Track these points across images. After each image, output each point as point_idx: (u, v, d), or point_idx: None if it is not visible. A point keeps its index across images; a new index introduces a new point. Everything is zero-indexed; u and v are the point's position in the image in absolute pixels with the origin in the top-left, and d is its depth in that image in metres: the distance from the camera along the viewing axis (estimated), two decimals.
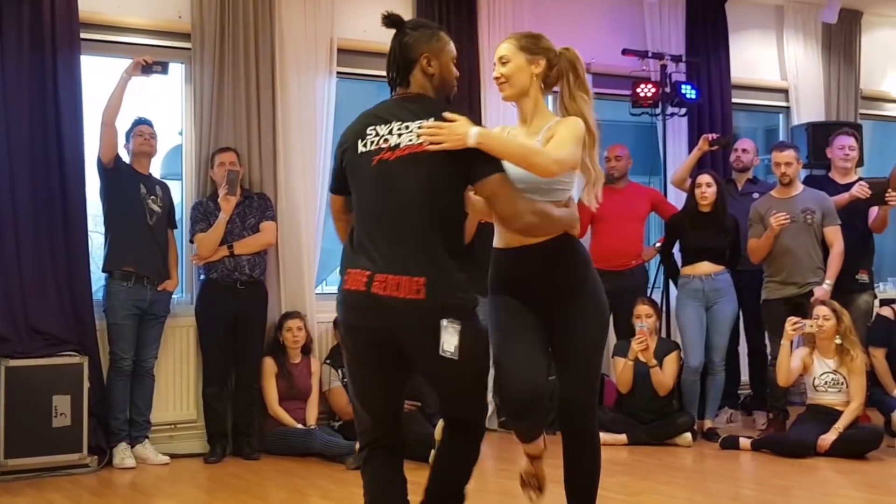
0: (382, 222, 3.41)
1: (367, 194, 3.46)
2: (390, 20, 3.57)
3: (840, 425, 6.45)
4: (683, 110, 8.15)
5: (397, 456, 3.70)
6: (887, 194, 7.06)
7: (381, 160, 3.41)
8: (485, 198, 3.48)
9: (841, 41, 9.59)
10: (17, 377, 6.05)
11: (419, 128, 3.40)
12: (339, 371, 6.74)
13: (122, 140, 6.53)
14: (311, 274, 7.17)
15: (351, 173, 3.51)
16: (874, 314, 7.48)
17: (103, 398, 6.41)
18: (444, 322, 3.35)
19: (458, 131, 3.37)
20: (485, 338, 3.59)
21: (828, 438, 6.41)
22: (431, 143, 3.36)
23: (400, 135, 3.42)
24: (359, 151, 3.47)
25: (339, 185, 3.61)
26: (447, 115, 3.42)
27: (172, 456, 6.56)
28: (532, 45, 3.85)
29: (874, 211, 7.27)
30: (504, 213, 3.51)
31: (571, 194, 3.81)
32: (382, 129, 3.45)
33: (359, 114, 3.62)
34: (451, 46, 3.64)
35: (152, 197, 6.55)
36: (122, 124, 6.53)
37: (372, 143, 3.45)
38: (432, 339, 3.36)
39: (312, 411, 6.92)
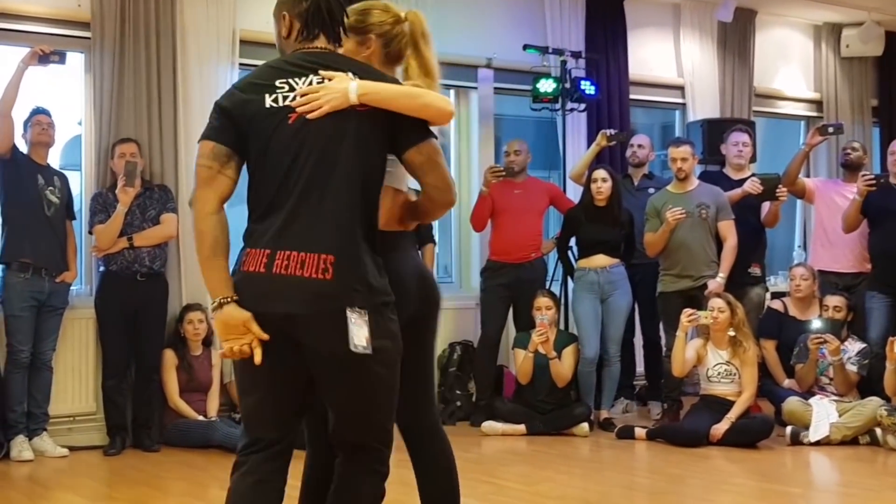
0: (293, 190, 2.90)
1: (276, 156, 2.93)
2: None
3: (732, 415, 6.59)
4: (583, 106, 8.24)
5: (287, 460, 3.12)
6: (778, 190, 7.24)
7: (298, 118, 2.92)
8: (418, 166, 3.02)
9: (736, 39, 9.76)
10: None
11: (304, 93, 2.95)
12: None
13: (19, 130, 6.42)
14: None
15: (257, 131, 2.94)
16: (765, 307, 7.69)
17: (0, 391, 6.32)
18: (350, 311, 2.86)
19: (337, 88, 2.94)
20: (398, 341, 3.02)
21: (720, 428, 6.55)
22: (310, 112, 2.92)
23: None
24: (266, 106, 2.94)
25: (225, 135, 2.96)
26: (323, 72, 2.98)
27: (71, 448, 6.49)
28: (358, 22, 3.25)
29: (766, 206, 7.45)
30: (439, 184, 3.05)
31: None
32: (298, 83, 2.97)
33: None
34: None
35: (50, 188, 6.45)
36: (20, 114, 6.42)
37: (284, 97, 2.95)
38: (337, 331, 2.86)
39: (213, 403, 6.91)
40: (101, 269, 6.70)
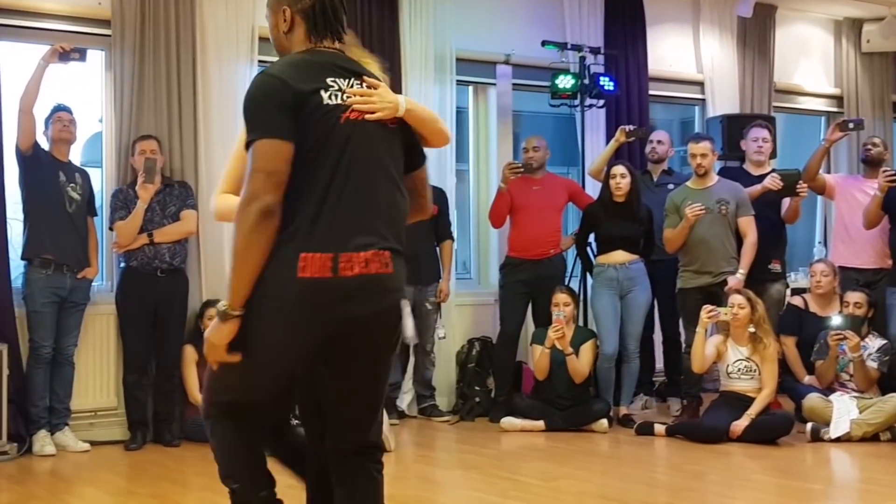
0: (353, 187, 2.93)
1: (334, 154, 2.93)
2: None
3: (752, 412, 6.58)
4: (601, 102, 8.23)
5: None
6: (799, 186, 7.22)
7: (348, 119, 2.96)
8: (418, 183, 3.20)
9: (756, 35, 9.74)
10: None
11: (356, 94, 3.02)
12: None
13: (41, 127, 6.47)
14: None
15: (311, 125, 2.92)
16: (786, 303, 7.67)
17: (23, 386, 6.36)
18: (404, 303, 3.03)
19: (389, 98, 3.06)
20: None
21: (740, 424, 6.54)
22: (366, 112, 2.99)
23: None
24: (324, 102, 2.94)
25: (292, 128, 2.90)
26: (368, 79, 3.08)
27: (93, 443, 6.52)
28: None
29: (787, 202, 7.43)
30: (426, 203, 3.27)
31: None
32: (343, 84, 3.00)
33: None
34: None
35: (72, 184, 6.49)
36: (42, 111, 6.47)
37: (335, 95, 2.96)
38: (391, 324, 3.01)
39: None
40: (122, 265, 6.74)
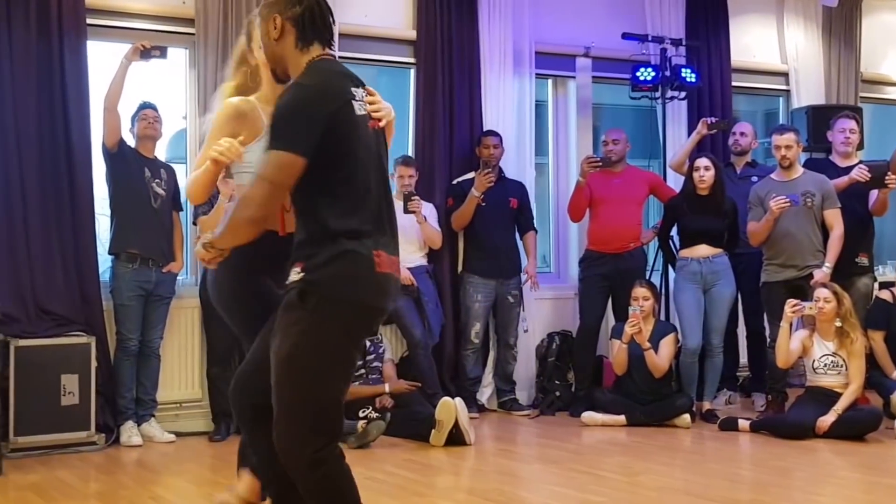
0: (380, 194, 3.20)
1: (370, 163, 3.17)
2: None
3: (839, 407, 6.49)
4: (683, 94, 8.18)
5: None
6: (887, 177, 7.07)
7: (374, 128, 3.23)
8: None
9: (841, 24, 9.59)
10: (27, 357, 6.13)
11: (370, 102, 3.24)
12: None
13: (126, 124, 6.58)
14: None
15: (349, 136, 3.10)
16: (873, 297, 7.53)
17: (110, 377, 6.50)
18: None
19: (388, 105, 3.33)
20: None
21: (827, 420, 6.45)
22: (379, 119, 3.25)
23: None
24: (356, 112, 3.14)
25: (314, 146, 3.04)
26: (368, 88, 3.28)
27: (178, 434, 6.65)
28: (264, 5, 3.30)
29: (874, 194, 7.29)
30: None
31: None
32: (360, 94, 3.20)
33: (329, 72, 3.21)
34: None
35: (157, 180, 6.60)
36: (128, 108, 6.59)
37: (360, 106, 3.17)
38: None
39: None
40: None
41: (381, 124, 3.22)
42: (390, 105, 3.33)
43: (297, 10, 3.18)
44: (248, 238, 3.18)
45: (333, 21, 3.28)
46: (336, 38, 7.17)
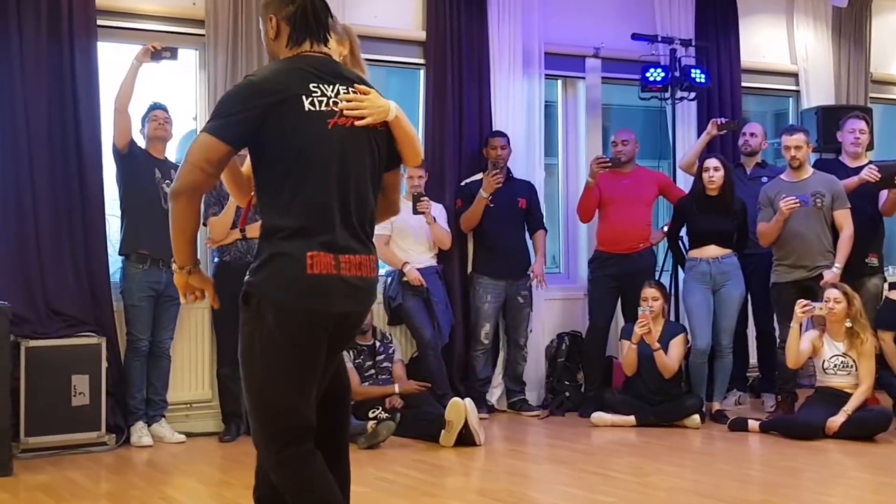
0: (337, 194, 3.07)
1: (322, 159, 3.06)
2: None
3: (849, 408, 6.49)
4: (693, 94, 8.17)
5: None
6: None
7: (336, 125, 3.09)
8: (392, 184, 3.36)
9: (851, 25, 9.56)
10: (37, 357, 6.14)
11: (347, 100, 3.13)
12: (350, 353, 6.79)
13: (137, 125, 6.60)
14: None
15: (292, 130, 3.04)
16: (883, 297, 7.52)
17: (121, 378, 6.51)
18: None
19: (379, 103, 3.18)
20: None
21: (836, 421, 6.45)
22: (355, 118, 3.11)
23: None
24: (305, 108, 3.06)
25: (243, 137, 3.03)
26: (359, 86, 3.18)
27: (188, 434, 6.66)
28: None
29: (884, 194, 7.27)
30: (396, 203, 3.46)
31: None
32: (328, 90, 3.11)
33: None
34: None
35: (167, 181, 6.60)
36: (138, 109, 6.61)
37: (320, 102, 3.08)
38: (361, 323, 3.33)
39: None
40: (216, 260, 6.84)
41: (360, 123, 3.12)
42: (389, 104, 3.21)
43: (290, 9, 3.17)
44: (182, 221, 3.13)
45: (331, 17, 3.27)
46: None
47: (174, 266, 3.27)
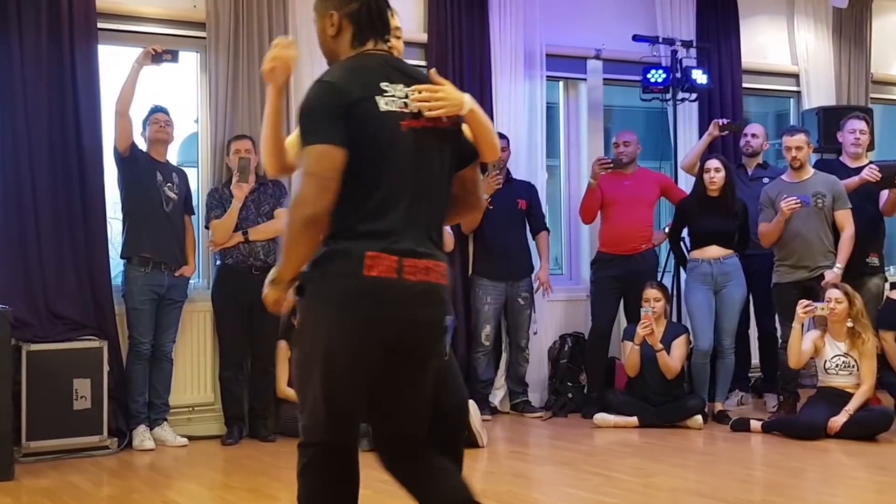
0: (412, 197, 2.98)
1: (396, 162, 2.97)
2: None
3: (851, 407, 6.49)
4: (694, 96, 8.17)
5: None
6: None
7: (410, 126, 2.99)
8: (473, 180, 3.25)
9: (852, 25, 9.57)
10: (38, 361, 6.13)
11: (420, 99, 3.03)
12: None
13: (138, 128, 6.60)
14: None
15: (370, 131, 2.95)
16: (884, 297, 7.52)
17: (122, 382, 6.50)
18: (448, 317, 3.09)
19: (454, 95, 3.09)
20: None
21: (838, 420, 6.45)
22: (430, 110, 3.02)
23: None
24: (381, 108, 2.96)
25: (347, 135, 2.93)
26: (435, 76, 3.11)
27: (190, 438, 6.65)
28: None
29: (885, 194, 7.28)
30: (478, 200, 3.34)
31: None
32: (397, 91, 3.01)
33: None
34: None
35: (168, 184, 6.61)
36: (139, 112, 6.61)
37: (392, 102, 2.99)
38: (440, 333, 3.08)
39: None
40: (218, 263, 6.85)
41: (433, 114, 3.01)
42: (463, 96, 3.13)
43: (354, 6, 3.08)
44: (308, 246, 2.95)
45: (392, 14, 3.20)
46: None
47: (272, 279, 3.10)
